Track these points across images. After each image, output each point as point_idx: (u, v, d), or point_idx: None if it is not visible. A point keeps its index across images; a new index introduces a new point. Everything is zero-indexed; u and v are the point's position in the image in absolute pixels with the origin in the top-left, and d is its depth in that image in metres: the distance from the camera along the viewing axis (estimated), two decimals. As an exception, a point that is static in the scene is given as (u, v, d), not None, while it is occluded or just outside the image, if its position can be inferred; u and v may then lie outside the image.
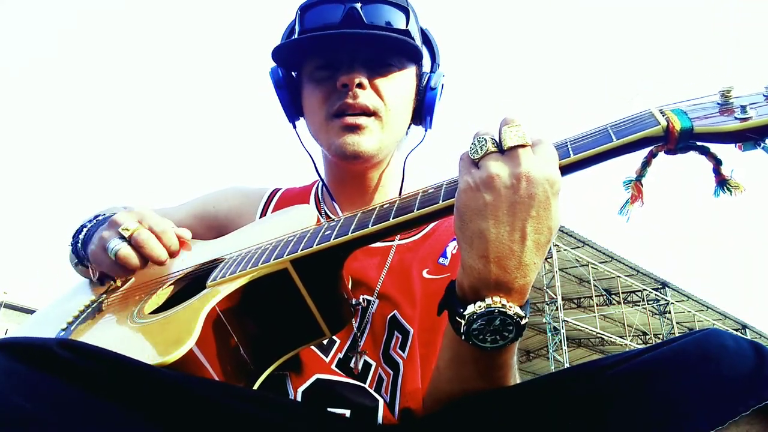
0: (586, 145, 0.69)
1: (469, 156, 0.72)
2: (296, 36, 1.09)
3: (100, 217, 1.12)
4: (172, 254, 0.98)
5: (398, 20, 1.07)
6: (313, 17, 1.07)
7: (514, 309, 0.68)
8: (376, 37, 1.04)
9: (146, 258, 0.95)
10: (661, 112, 0.67)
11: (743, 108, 0.61)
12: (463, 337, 0.70)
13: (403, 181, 1.19)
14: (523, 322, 0.69)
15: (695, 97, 0.68)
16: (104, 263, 0.99)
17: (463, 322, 0.69)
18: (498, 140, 0.70)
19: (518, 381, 0.83)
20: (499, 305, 0.67)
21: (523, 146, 0.68)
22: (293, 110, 1.17)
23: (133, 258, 0.94)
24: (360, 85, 1.05)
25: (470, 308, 0.68)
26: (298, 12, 1.09)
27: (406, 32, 1.07)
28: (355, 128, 1.06)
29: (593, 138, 0.69)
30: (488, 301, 0.68)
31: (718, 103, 0.65)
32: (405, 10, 1.08)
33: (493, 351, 0.71)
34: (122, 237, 0.95)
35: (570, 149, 0.70)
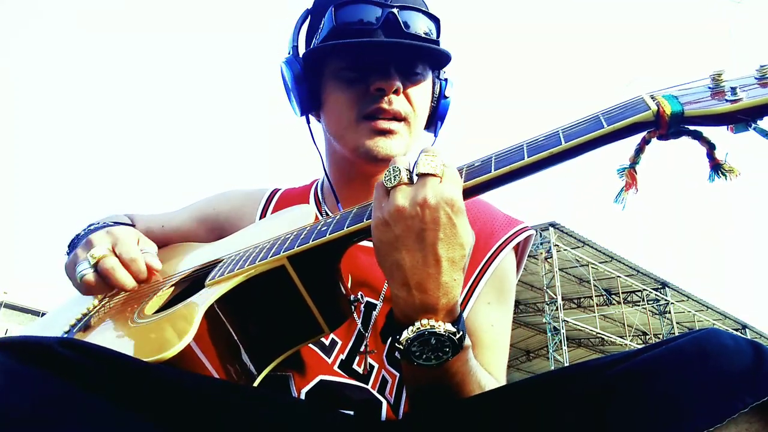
0: (577, 132, 0.69)
1: (382, 184, 0.76)
2: (326, 32, 1.06)
3: (92, 227, 1.12)
4: (140, 282, 0.98)
5: (431, 30, 1.07)
6: (348, 14, 1.04)
7: (443, 327, 0.72)
8: (416, 48, 1.04)
9: (111, 285, 0.96)
10: (652, 98, 0.67)
11: (734, 90, 0.61)
12: (406, 360, 0.74)
13: None
14: (458, 336, 0.73)
15: (686, 81, 0.68)
16: (74, 282, 1.01)
17: (401, 347, 0.73)
18: (411, 169, 0.75)
19: (482, 379, 0.85)
20: (428, 327, 0.72)
21: (433, 175, 0.72)
22: (309, 105, 1.14)
23: (96, 286, 0.96)
24: (395, 91, 1.04)
25: (405, 334, 0.72)
26: (332, 9, 1.05)
27: (437, 43, 1.08)
28: (387, 132, 1.05)
29: (585, 125, 0.70)
30: (418, 324, 0.72)
31: (709, 87, 0.65)
32: (436, 21, 1.08)
33: (441, 366, 0.75)
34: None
35: (562, 137, 0.70)
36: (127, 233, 1.03)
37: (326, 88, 1.11)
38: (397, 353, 0.76)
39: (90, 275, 0.95)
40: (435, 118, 1.17)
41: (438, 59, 1.09)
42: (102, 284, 0.95)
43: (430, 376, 0.79)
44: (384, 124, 1.05)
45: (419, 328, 0.72)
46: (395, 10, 1.02)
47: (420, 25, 1.05)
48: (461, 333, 0.74)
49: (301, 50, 1.17)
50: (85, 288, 0.97)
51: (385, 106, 1.04)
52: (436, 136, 1.19)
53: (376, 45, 1.03)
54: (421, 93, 1.10)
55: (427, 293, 0.72)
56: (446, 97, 1.17)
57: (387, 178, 0.75)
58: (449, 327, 0.73)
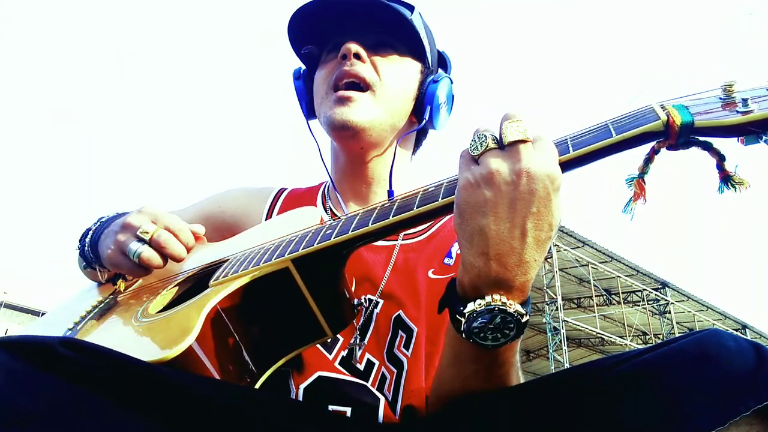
0: (586, 141, 0.69)
1: (469, 152, 0.72)
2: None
3: (104, 219, 1.13)
4: (189, 250, 0.99)
5: (402, 10, 1.12)
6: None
7: (514, 307, 0.67)
8: (374, 9, 1.10)
9: (167, 257, 0.97)
10: (662, 107, 0.67)
11: (745, 101, 0.61)
12: (463, 336, 0.69)
13: (393, 166, 1.17)
14: (524, 320, 0.68)
15: (697, 91, 0.67)
16: (124, 265, 1.00)
17: (463, 320, 0.68)
18: (498, 136, 0.70)
19: (521, 378, 0.82)
20: (500, 303, 0.67)
21: (523, 142, 0.68)
22: (307, 102, 1.23)
23: (156, 259, 0.96)
24: (357, 56, 1.10)
25: (470, 306, 0.68)
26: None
27: (411, 26, 1.12)
28: (344, 100, 1.09)
29: (593, 134, 0.69)
30: (488, 299, 0.67)
31: (720, 98, 0.65)
32: (410, 7, 1.13)
33: (494, 349, 0.71)
34: (141, 239, 0.96)
35: (570, 145, 0.70)
36: (160, 209, 1.04)
37: (315, 80, 1.20)
38: (453, 327, 0.71)
39: (147, 251, 0.95)
40: (424, 103, 1.18)
41: (406, 31, 1.13)
42: (158, 260, 0.96)
43: (478, 359, 0.75)
44: (341, 93, 1.10)
45: (489, 303, 0.67)
46: None
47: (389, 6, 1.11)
48: (528, 317, 0.69)
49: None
50: (141, 266, 0.97)
51: (346, 68, 1.10)
52: (425, 118, 1.18)
53: (344, 36, 1.12)
54: (392, 66, 1.14)
55: (506, 267, 0.67)
56: (435, 81, 1.18)
57: (473, 146, 0.71)
58: (519, 308, 0.68)
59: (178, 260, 0.97)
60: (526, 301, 0.70)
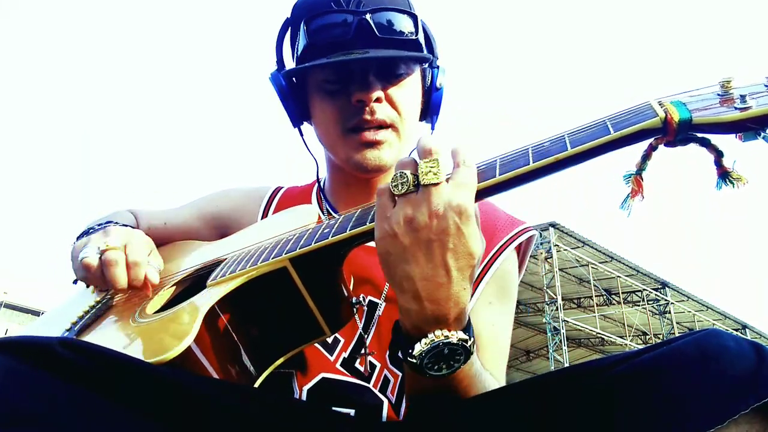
0: (583, 138, 0.68)
1: (388, 190, 0.74)
2: (302, 47, 1.05)
3: (111, 222, 1.13)
4: (132, 286, 0.96)
5: (408, 27, 1.04)
6: (321, 31, 1.03)
7: (456, 336, 0.71)
8: (392, 55, 1.02)
9: (105, 279, 0.95)
10: (660, 104, 0.66)
11: (743, 98, 0.60)
12: (419, 373, 0.73)
13: None
14: (470, 343, 0.72)
15: (695, 88, 0.67)
16: (75, 263, 1.02)
17: (415, 361, 0.72)
18: (416, 174, 0.72)
19: (488, 380, 0.85)
20: (442, 338, 0.71)
21: (435, 184, 0.70)
22: (298, 116, 1.14)
23: (92, 273, 0.96)
24: (377, 100, 1.03)
25: (417, 347, 0.71)
26: (304, 24, 1.03)
27: (416, 41, 1.05)
28: (374, 144, 1.04)
29: (591, 131, 0.69)
30: (431, 336, 0.71)
31: (718, 94, 0.64)
32: (413, 16, 1.05)
33: (451, 374, 0.74)
34: (99, 249, 0.97)
35: (568, 142, 0.69)
36: (144, 241, 1.04)
37: (312, 101, 1.11)
38: (408, 367, 0.74)
39: (92, 259, 0.95)
40: (429, 112, 1.15)
41: (418, 57, 1.07)
42: (98, 273, 0.95)
43: (437, 384, 0.78)
44: (370, 135, 1.04)
45: (433, 340, 0.71)
46: (367, 16, 1.00)
47: (395, 25, 1.03)
48: (472, 339, 0.73)
49: (287, 60, 1.16)
50: (82, 271, 0.97)
51: (367, 117, 1.02)
52: (432, 129, 1.17)
53: (349, 63, 1.01)
54: (406, 93, 1.08)
55: (438, 304, 0.70)
56: (438, 89, 1.14)
57: (394, 184, 0.73)
58: (461, 335, 0.72)
59: (112, 287, 0.95)
60: (467, 325, 0.74)
